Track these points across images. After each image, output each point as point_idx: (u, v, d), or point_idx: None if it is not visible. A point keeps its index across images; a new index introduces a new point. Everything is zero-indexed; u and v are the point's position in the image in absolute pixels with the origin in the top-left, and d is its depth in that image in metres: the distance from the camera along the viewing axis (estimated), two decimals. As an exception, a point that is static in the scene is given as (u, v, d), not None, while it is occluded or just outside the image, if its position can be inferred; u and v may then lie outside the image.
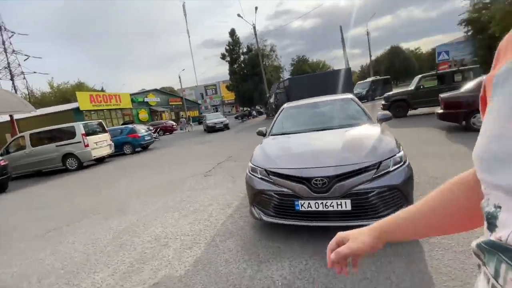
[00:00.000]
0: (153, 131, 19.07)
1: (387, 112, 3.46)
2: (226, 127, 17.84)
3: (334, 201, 2.20)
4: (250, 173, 2.77)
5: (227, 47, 30.41)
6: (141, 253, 2.60)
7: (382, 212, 2.18)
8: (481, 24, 19.89)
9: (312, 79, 22.03)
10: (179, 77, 40.34)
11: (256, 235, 2.68)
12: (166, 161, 8.52)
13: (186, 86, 52.28)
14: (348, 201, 2.17)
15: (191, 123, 29.55)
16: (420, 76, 10.93)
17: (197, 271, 2.18)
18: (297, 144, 2.95)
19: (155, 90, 36.54)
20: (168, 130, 24.69)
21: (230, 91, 34.62)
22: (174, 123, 26.19)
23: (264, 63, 28.52)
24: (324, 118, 3.69)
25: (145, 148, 13.63)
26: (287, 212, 2.40)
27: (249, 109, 33.97)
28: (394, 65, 46.69)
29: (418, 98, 10.26)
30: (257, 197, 2.59)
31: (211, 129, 17.77)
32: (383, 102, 11.49)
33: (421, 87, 10.40)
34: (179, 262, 2.35)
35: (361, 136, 2.83)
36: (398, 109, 10.75)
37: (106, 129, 11.24)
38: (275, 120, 3.96)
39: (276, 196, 2.41)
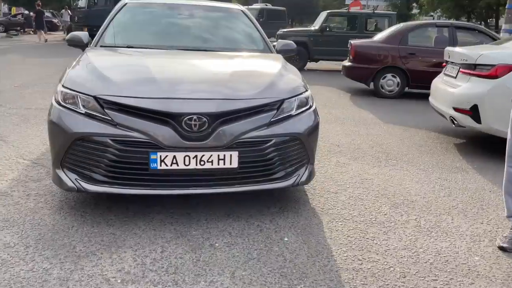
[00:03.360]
0: None
1: (290, 42, 4.17)
2: None
3: (215, 154, 2.52)
4: (61, 104, 2.63)
5: None
6: None
7: (277, 172, 2.73)
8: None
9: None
10: None
11: (65, 220, 2.63)
12: None
13: None
14: (235, 154, 2.55)
15: None
16: (327, 12, 13.46)
17: None
18: (158, 63, 3.10)
19: None
20: None
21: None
22: None
23: None
24: (198, 32, 4.01)
25: None
26: (135, 174, 2.51)
27: (26, 12, 29.36)
28: (293, -4, 53.45)
29: (322, 45, 12.63)
30: (73, 150, 2.52)
31: None
32: (274, 42, 13.37)
33: (328, 28, 12.88)
34: None
35: (256, 66, 3.34)
36: (293, 57, 12.79)
37: None
38: (109, 23, 3.90)
39: (115, 145, 2.45)
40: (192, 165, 2.52)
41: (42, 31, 21.29)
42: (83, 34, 3.76)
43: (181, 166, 2.50)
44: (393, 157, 4.38)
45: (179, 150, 2.48)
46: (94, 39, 3.70)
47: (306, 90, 3.01)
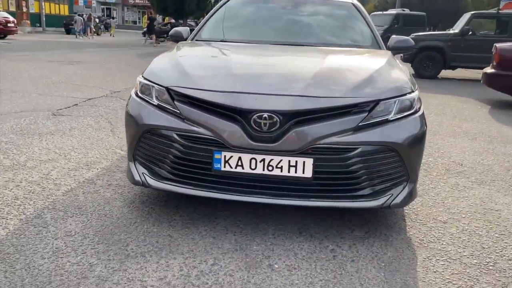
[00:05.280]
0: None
1: (406, 38, 3.57)
2: None
3: (286, 159, 2.18)
4: (138, 95, 2.58)
5: None
6: None
7: (363, 188, 2.25)
8: None
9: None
10: None
11: (131, 214, 2.56)
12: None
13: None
14: (309, 161, 2.17)
15: (92, 27, 31.21)
16: (471, 13, 11.85)
17: (-11, 263, 1.95)
18: (242, 57, 2.94)
19: None
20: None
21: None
22: (12, 18, 23.37)
23: None
24: (298, 26, 3.73)
25: None
26: (198, 174, 2.32)
27: (173, 21, 32.63)
28: (436, -1, 49.42)
29: (461, 50, 11.16)
30: (142, 142, 2.44)
31: None
32: None
33: (470, 31, 11.31)
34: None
35: (354, 62, 2.91)
36: (426, 64, 11.55)
37: None
38: (210, 17, 3.82)
39: (180, 140, 2.28)
40: (259, 170, 2.22)
41: (154, 36, 26.08)
42: (184, 30, 3.77)
43: (247, 169, 2.22)
44: (537, 185, 3.43)
45: (245, 151, 2.20)
46: (192, 33, 3.66)
47: (412, 91, 2.45)
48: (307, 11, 3.88)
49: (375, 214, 2.67)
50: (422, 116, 2.44)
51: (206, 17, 3.86)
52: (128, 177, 2.57)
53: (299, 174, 2.20)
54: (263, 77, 2.49)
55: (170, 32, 3.87)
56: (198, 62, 2.78)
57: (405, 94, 2.40)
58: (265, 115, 2.16)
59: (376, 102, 2.29)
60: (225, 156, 2.22)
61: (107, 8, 61.78)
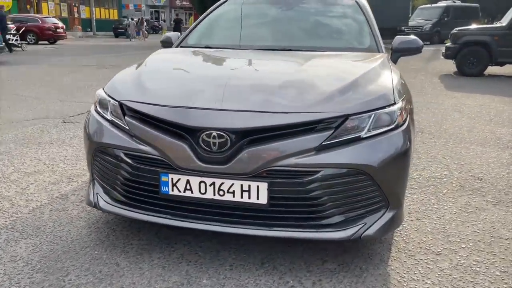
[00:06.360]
0: (13, 30, 18.21)
1: (413, 38, 3.18)
2: None
3: (237, 183, 1.92)
4: (96, 109, 2.42)
5: None
6: None
7: (329, 217, 1.95)
8: None
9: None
10: None
11: (88, 237, 2.39)
12: (8, 89, 7.91)
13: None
14: (263, 186, 1.90)
15: (144, 30, 33.11)
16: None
17: None
18: (208, 68, 2.76)
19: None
20: (46, 34, 23.16)
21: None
22: (61, 24, 24.53)
23: None
24: (292, 31, 3.46)
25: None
26: (146, 197, 2.12)
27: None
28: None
29: (510, 45, 10.18)
30: (95, 161, 2.29)
31: None
32: (447, 44, 11.48)
33: (521, 24, 10.31)
34: None
35: (334, 69, 2.58)
36: (470, 60, 10.69)
37: None
38: (201, 20, 3.63)
39: (127, 160, 2.09)
40: (209, 194, 1.97)
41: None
42: (174, 35, 3.60)
43: (196, 194, 1.99)
44: None
45: (194, 173, 1.96)
46: (179, 39, 3.47)
47: (394, 103, 2.09)
48: (303, 13, 3.56)
49: (357, 243, 2.33)
50: (406, 131, 2.08)
51: (196, 21, 3.65)
52: (85, 197, 2.42)
53: (253, 200, 1.93)
54: (218, 90, 2.22)
55: (161, 38, 3.71)
56: (159, 74, 2.56)
57: (384, 107, 2.05)
58: (214, 133, 1.91)
59: (345, 117, 1.96)
60: (172, 179, 2.00)
61: (155, 11, 63.61)
